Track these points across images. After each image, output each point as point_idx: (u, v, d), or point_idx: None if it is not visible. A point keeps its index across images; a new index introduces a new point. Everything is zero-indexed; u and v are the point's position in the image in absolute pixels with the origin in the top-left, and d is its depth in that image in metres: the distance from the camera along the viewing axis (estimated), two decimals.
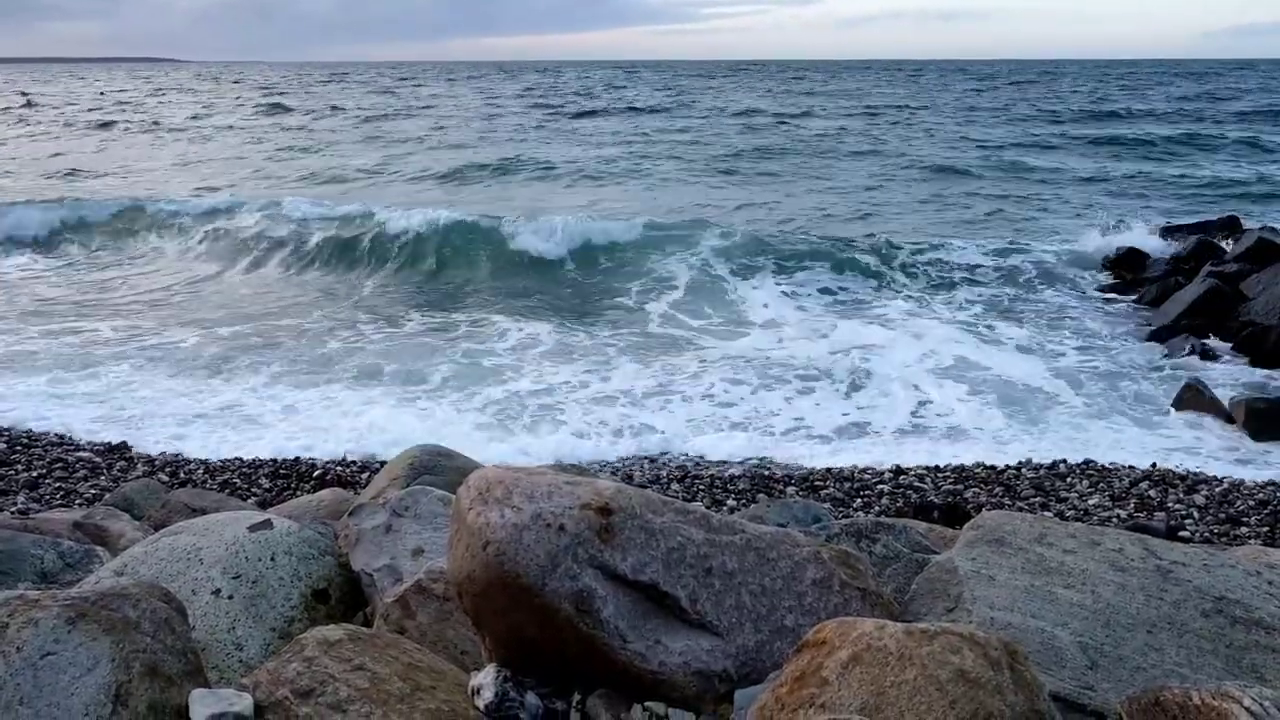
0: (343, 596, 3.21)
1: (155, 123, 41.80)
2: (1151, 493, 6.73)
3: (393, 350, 10.42)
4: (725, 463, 7.49)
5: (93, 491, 6.65)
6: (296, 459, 7.43)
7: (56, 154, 30.00)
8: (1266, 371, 9.58)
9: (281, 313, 12.22)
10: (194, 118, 44.85)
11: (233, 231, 16.63)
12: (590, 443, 7.82)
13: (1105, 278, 13.84)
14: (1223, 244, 14.18)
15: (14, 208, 17.77)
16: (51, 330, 11.13)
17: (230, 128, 39.68)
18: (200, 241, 16.44)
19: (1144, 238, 15.03)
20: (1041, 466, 7.29)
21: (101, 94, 64.30)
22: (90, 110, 49.36)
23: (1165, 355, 10.18)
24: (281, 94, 64.89)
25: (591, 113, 44.70)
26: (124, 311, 12.25)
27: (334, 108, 49.86)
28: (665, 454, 7.68)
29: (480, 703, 2.20)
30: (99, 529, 4.23)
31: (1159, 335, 10.86)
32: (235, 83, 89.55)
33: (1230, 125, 34.62)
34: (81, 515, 4.66)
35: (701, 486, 6.92)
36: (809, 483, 6.98)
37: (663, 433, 8.01)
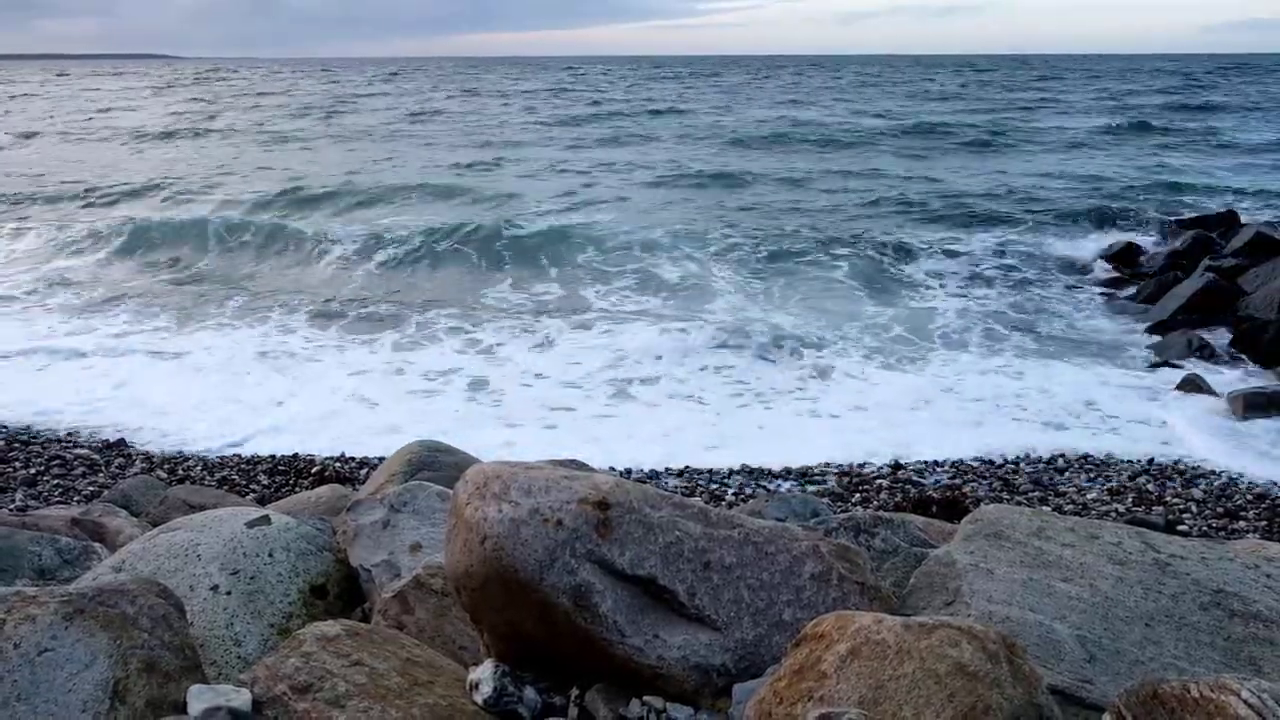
0: (341, 592, 3.21)
1: None
2: (1150, 487, 6.74)
3: None
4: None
5: (91, 488, 6.65)
6: (295, 455, 7.43)
7: None
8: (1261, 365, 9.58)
9: None
10: None
11: None
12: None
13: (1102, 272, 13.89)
14: (1219, 239, 14.20)
15: None
16: None
17: None
18: None
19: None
20: (1040, 460, 7.30)
21: None
22: None
23: (1163, 350, 10.18)
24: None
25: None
26: None
27: None
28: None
29: (478, 697, 2.20)
30: (97, 525, 4.22)
31: (1156, 330, 10.86)
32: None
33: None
34: (80, 512, 4.65)
35: (700, 481, 6.92)
36: (807, 477, 6.98)
37: None
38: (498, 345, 10.50)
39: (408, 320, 11.48)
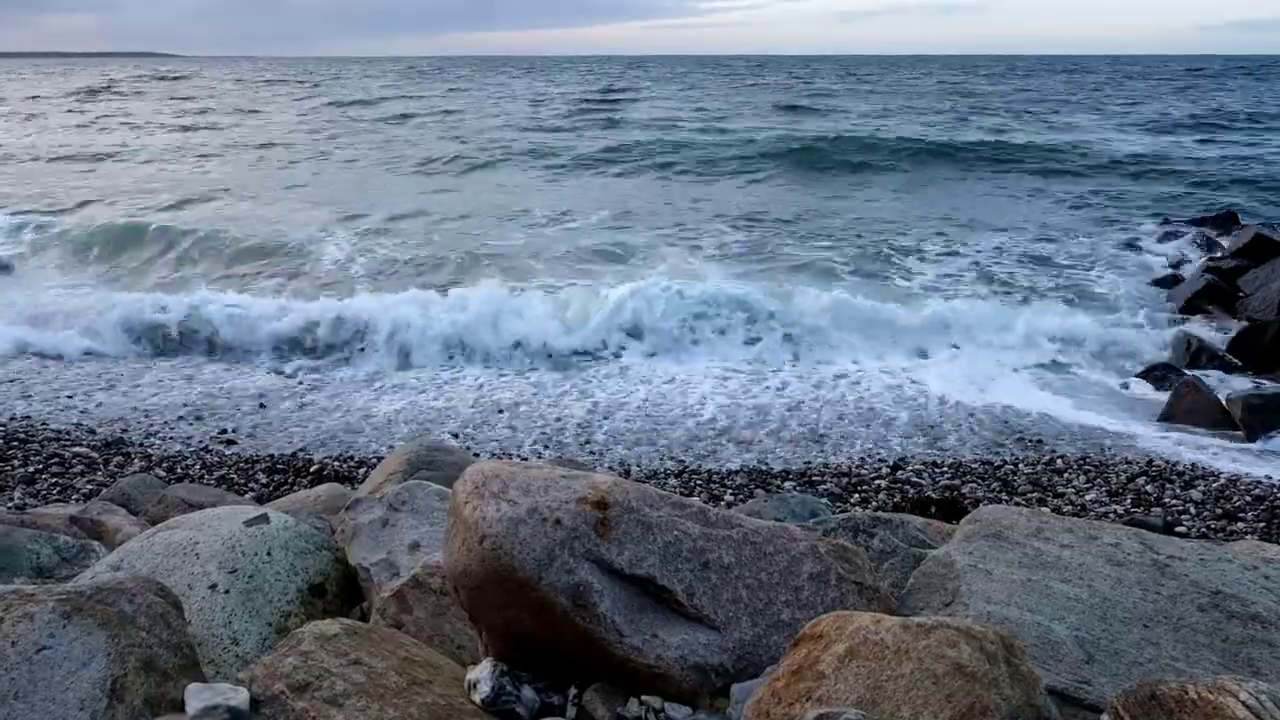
0: (339, 591, 3.21)
1: None
2: (1148, 488, 6.74)
3: None
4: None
5: (89, 487, 6.64)
6: (294, 454, 7.43)
7: None
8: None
9: None
10: None
11: None
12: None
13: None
14: (1220, 240, 14.21)
15: None
16: None
17: None
18: None
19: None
20: (1038, 461, 7.30)
21: None
22: None
23: (1161, 352, 10.18)
24: None
25: None
26: None
27: None
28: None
29: (477, 697, 2.20)
30: (95, 524, 4.22)
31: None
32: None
33: None
34: (78, 510, 4.65)
35: (699, 481, 6.92)
36: (806, 478, 6.98)
37: None
38: None
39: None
